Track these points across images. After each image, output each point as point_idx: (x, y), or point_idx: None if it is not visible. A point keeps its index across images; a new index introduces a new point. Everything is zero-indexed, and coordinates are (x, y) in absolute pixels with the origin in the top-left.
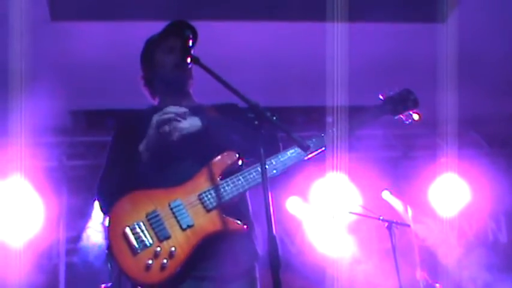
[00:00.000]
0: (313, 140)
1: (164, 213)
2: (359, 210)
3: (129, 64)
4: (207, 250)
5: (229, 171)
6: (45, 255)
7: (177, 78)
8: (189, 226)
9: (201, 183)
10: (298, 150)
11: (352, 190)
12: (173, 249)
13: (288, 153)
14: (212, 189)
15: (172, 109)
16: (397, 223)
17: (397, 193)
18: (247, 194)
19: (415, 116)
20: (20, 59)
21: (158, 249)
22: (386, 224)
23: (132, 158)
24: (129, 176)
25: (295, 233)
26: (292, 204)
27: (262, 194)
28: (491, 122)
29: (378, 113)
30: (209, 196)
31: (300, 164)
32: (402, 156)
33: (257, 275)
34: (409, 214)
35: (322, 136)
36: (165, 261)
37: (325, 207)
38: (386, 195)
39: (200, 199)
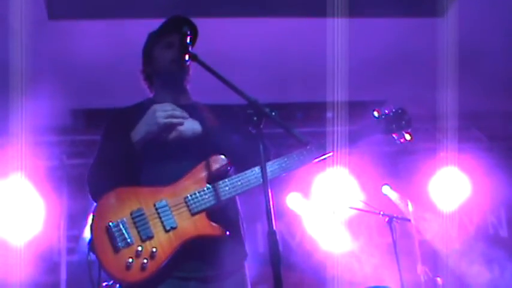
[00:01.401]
0: (304, 152)
1: (149, 212)
2: (359, 205)
3: (129, 62)
4: (194, 251)
5: (218, 176)
6: (46, 254)
7: (174, 73)
8: (172, 228)
9: (188, 185)
10: (302, 155)
11: (352, 185)
12: (154, 249)
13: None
14: (198, 193)
15: (176, 108)
16: (397, 218)
17: (398, 188)
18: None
19: (407, 136)
20: (19, 59)
21: (140, 248)
22: (386, 219)
23: (124, 148)
24: (120, 166)
25: (295, 228)
26: (293, 200)
27: (263, 190)
28: (491, 116)
29: (370, 131)
30: (195, 200)
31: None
32: (402, 150)
33: (246, 272)
34: (409, 209)
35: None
36: (145, 261)
37: (325, 203)
38: (386, 189)
39: (186, 202)
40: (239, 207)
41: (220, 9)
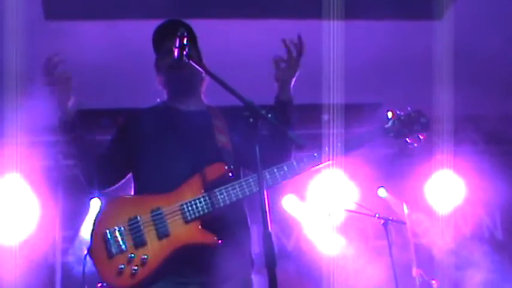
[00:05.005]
0: (305, 159)
1: (144, 220)
2: (355, 207)
3: (126, 63)
4: (192, 257)
5: (218, 183)
6: (40, 255)
7: (177, 79)
8: (165, 236)
9: (185, 193)
10: (302, 162)
11: (348, 187)
12: (145, 257)
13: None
14: (193, 201)
15: None
16: (393, 220)
17: (393, 190)
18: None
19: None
20: (15, 58)
21: (132, 255)
22: (382, 221)
23: (127, 154)
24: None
25: (291, 230)
26: (289, 202)
27: (258, 192)
28: (487, 119)
29: (373, 136)
30: (189, 208)
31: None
32: (398, 153)
33: (251, 277)
34: (404, 211)
35: (315, 156)
36: (135, 267)
37: (321, 205)
38: (382, 192)
39: (181, 210)
40: (246, 214)
41: (216, 10)
